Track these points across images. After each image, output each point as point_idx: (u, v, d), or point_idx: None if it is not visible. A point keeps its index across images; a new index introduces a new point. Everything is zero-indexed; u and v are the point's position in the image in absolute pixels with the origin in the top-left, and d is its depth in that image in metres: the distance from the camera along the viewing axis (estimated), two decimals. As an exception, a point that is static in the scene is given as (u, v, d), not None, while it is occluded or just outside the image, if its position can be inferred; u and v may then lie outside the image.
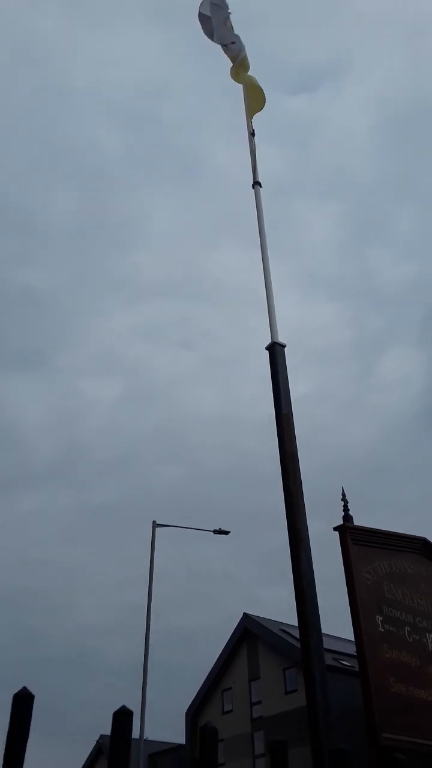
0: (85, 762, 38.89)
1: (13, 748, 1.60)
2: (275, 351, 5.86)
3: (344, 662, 25.94)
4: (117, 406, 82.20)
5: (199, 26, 7.67)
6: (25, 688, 1.69)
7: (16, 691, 1.75)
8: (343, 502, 5.65)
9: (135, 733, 17.17)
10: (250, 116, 7.41)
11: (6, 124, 79.65)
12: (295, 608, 4.64)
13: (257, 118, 7.46)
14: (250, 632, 30.95)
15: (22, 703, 1.73)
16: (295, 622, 4.83)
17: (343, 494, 5.69)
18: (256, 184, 6.93)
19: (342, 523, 5.46)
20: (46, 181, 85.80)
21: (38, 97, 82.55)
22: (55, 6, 77.93)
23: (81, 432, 79.76)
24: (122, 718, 1.89)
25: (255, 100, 7.47)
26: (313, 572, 4.75)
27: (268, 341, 5.93)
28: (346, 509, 5.61)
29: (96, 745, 37.92)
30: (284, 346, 5.89)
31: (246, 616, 31.45)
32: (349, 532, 5.39)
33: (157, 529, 20.51)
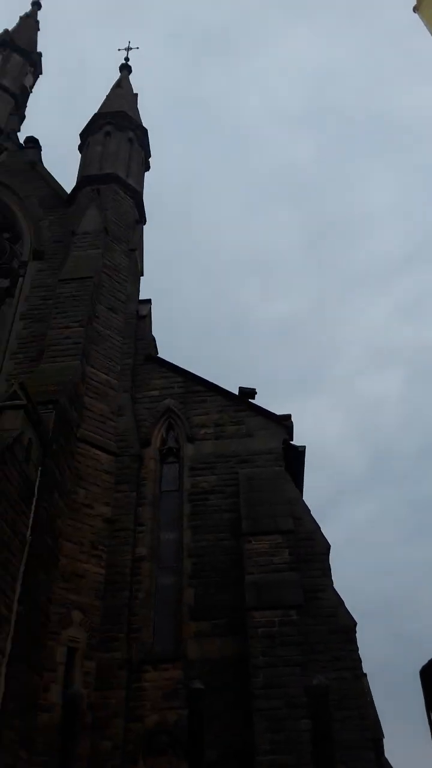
0: None
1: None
2: None
3: None
4: (407, 394, 79.28)
5: None
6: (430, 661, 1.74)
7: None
8: None
9: None
10: None
11: (212, 183, 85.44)
12: None
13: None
14: None
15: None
16: None
17: None
18: None
19: None
20: (263, 216, 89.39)
21: (226, 140, 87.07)
22: (215, 66, 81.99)
23: (382, 431, 78.23)
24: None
25: None
26: None
27: None
28: None
29: None
30: None
31: None
32: None
33: None
